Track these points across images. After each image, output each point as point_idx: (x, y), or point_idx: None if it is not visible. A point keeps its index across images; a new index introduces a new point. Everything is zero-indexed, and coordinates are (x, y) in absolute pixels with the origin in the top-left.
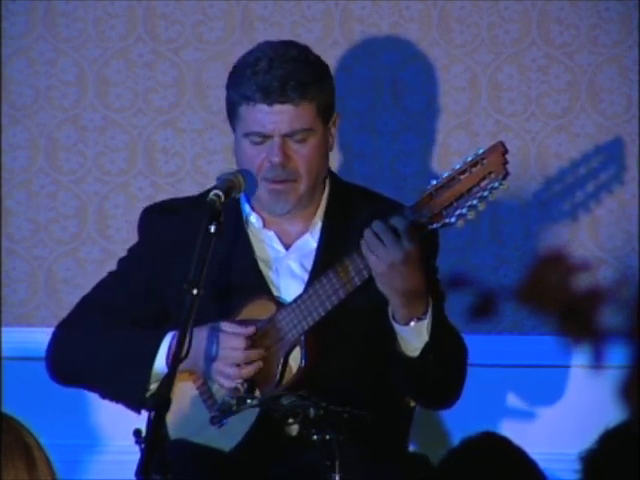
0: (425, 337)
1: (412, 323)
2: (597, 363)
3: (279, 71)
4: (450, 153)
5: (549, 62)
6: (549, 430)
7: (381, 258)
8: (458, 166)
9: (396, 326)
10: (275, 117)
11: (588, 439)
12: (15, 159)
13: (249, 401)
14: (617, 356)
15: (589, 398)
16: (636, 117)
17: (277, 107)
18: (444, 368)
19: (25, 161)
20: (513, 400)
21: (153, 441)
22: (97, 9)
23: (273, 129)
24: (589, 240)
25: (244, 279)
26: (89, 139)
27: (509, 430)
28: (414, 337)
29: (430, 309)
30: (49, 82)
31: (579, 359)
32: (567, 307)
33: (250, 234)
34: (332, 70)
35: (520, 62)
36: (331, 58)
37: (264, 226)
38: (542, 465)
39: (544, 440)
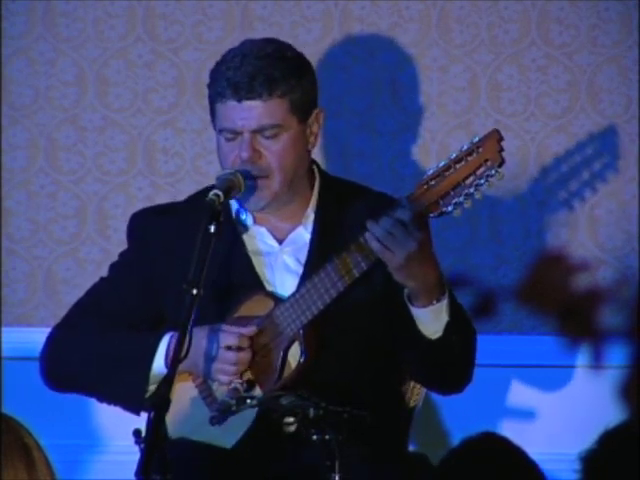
0: (445, 317)
1: (431, 305)
2: (597, 363)
3: (249, 67)
4: (450, 153)
5: (549, 62)
6: (549, 430)
7: (397, 252)
8: (454, 155)
9: (414, 310)
10: (244, 113)
11: (588, 439)
12: (15, 159)
13: (249, 401)
14: (617, 356)
15: (589, 398)
16: (636, 117)
17: (246, 103)
18: (463, 348)
19: (25, 161)
20: (513, 400)
21: (153, 441)
22: (97, 9)
23: (242, 125)
24: (589, 240)
25: (238, 276)
26: (89, 139)
27: (509, 430)
28: (433, 319)
29: (447, 290)
30: (49, 82)
31: (579, 359)
32: (567, 307)
33: (241, 231)
34: (331, 70)
35: (520, 62)
36: (330, 58)
37: (255, 223)
38: (542, 465)
39: (544, 440)
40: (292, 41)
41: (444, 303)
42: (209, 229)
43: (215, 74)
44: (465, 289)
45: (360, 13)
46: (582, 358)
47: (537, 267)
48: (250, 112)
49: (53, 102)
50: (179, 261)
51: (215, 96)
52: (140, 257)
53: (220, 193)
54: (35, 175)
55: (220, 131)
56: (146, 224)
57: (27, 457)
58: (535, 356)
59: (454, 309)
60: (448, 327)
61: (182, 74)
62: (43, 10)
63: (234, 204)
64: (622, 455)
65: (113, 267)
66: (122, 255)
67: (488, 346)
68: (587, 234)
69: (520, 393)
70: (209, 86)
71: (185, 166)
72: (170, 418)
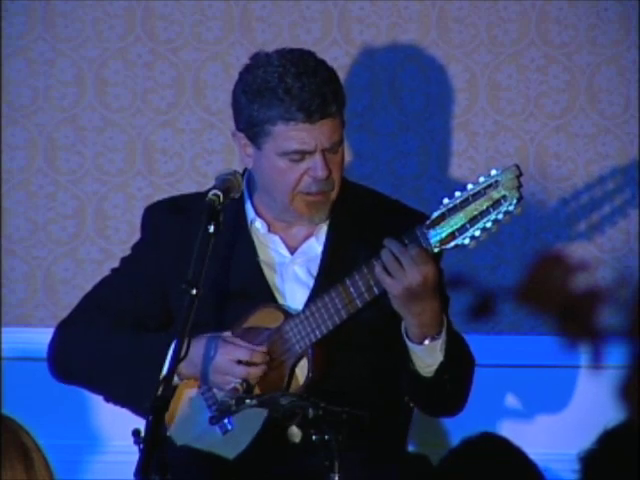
0: (439, 356)
1: (426, 342)
2: (596, 363)
3: (312, 86)
4: (449, 153)
5: (548, 62)
6: (548, 430)
7: (399, 280)
8: (471, 187)
9: (409, 344)
10: (316, 133)
11: (587, 439)
12: (14, 159)
13: (248, 401)
14: (616, 356)
15: (588, 398)
16: (635, 117)
17: (319, 123)
18: (456, 385)
19: (24, 161)
20: (512, 400)
21: (152, 441)
22: (96, 9)
23: (315, 145)
24: (588, 240)
25: (248, 284)
26: (88, 139)
27: (508, 430)
28: (427, 355)
29: (444, 329)
30: (48, 82)
31: (578, 359)
32: (566, 307)
33: (255, 239)
34: None
35: (519, 62)
36: (330, 58)
37: (269, 231)
38: (541, 465)
39: (543, 440)
40: (291, 41)
41: (439, 343)
42: (208, 229)
43: (268, 97)
44: (465, 289)
45: (359, 13)
46: (581, 358)
47: (536, 267)
48: (323, 131)
49: (52, 102)
50: (187, 260)
51: (275, 119)
52: (150, 254)
53: (219, 193)
54: (34, 175)
55: (285, 154)
56: (158, 220)
57: (26, 458)
58: (534, 356)
59: (451, 346)
60: (441, 367)
61: (181, 74)
62: (42, 10)
63: (250, 211)
64: (621, 455)
65: (125, 260)
66: (134, 248)
67: (487, 346)
68: (586, 234)
69: (519, 393)
70: (255, 108)
71: (184, 166)
72: (175, 425)
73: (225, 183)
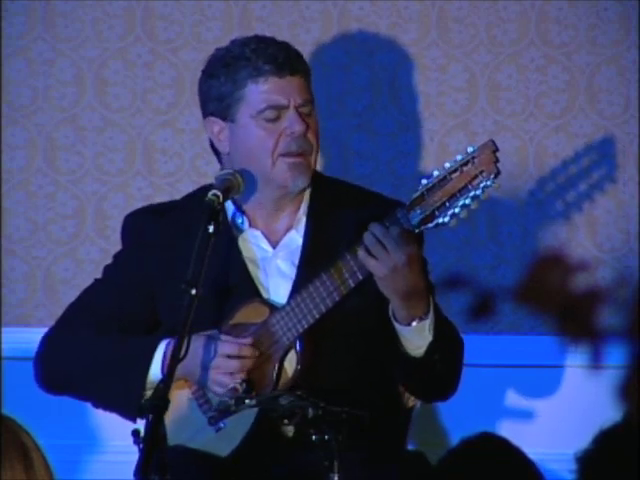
0: (428, 336)
1: (414, 323)
2: (595, 363)
3: (275, 47)
4: (448, 153)
5: (547, 62)
6: (547, 430)
7: (383, 262)
8: (449, 165)
9: (397, 326)
10: (288, 88)
11: (586, 439)
12: (14, 159)
13: (247, 401)
14: (615, 356)
15: (587, 398)
16: (634, 117)
17: (288, 78)
18: (446, 365)
19: (24, 161)
20: (511, 400)
21: (151, 441)
22: (95, 9)
23: (288, 100)
24: (587, 240)
25: (233, 280)
26: (88, 139)
27: (507, 430)
28: (416, 336)
29: (431, 309)
30: (47, 82)
31: (577, 359)
32: (565, 307)
33: (236, 235)
34: (330, 70)
35: (518, 62)
36: (329, 58)
37: (250, 226)
38: (540, 465)
39: (542, 440)
40: (291, 41)
41: (427, 323)
42: (208, 229)
43: (234, 64)
44: (464, 289)
45: (359, 13)
46: (581, 358)
47: (536, 267)
48: (293, 87)
49: (52, 102)
50: (175, 262)
51: (243, 81)
52: (135, 259)
53: (219, 193)
54: (34, 175)
55: (259, 112)
56: (141, 225)
57: (25, 458)
58: (534, 356)
59: (439, 326)
60: (431, 347)
61: (181, 74)
62: (42, 10)
63: (230, 207)
64: (617, 454)
65: (107, 269)
66: (116, 257)
67: (487, 346)
68: (586, 234)
69: (519, 393)
70: (222, 80)
71: (184, 166)
72: (167, 425)
73: (225, 183)
